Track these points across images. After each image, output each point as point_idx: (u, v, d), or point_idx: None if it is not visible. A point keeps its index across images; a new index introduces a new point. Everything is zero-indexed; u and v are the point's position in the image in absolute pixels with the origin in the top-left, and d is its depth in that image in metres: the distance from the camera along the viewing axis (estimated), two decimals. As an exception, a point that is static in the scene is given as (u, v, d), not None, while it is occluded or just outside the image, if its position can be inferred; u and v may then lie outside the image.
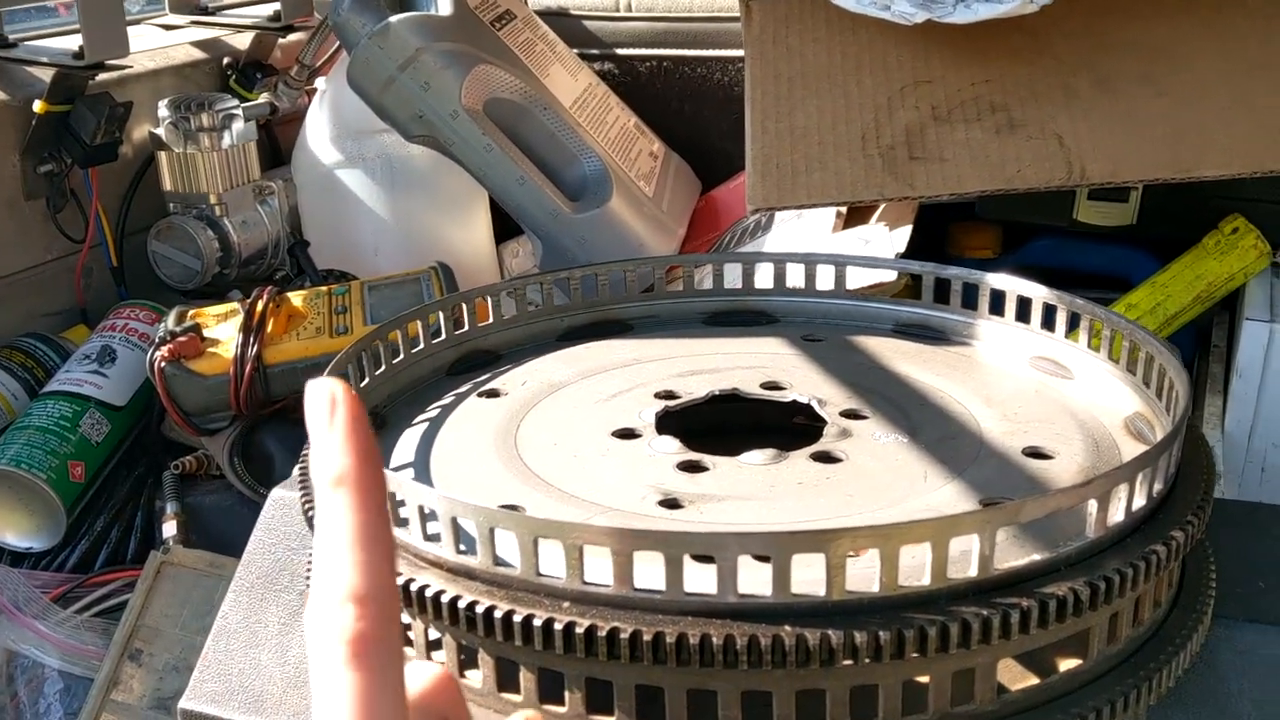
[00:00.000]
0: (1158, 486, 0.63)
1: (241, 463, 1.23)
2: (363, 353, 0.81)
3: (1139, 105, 1.08)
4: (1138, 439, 0.77)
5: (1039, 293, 0.88)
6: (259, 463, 1.23)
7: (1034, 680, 0.60)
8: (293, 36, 1.84)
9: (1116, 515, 0.61)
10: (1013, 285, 0.90)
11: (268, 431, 1.25)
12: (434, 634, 0.63)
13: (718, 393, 0.85)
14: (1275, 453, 1.14)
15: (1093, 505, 0.59)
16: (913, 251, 1.26)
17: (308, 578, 0.74)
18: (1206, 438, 1.18)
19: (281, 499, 0.89)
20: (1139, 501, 0.62)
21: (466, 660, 0.62)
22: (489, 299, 0.92)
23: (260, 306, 1.25)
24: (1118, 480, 0.59)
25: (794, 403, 0.83)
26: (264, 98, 1.68)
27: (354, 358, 0.80)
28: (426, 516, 0.61)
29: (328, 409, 0.36)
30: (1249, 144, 1.05)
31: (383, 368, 0.84)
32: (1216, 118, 1.06)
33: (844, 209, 1.32)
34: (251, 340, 1.22)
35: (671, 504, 0.69)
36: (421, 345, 0.88)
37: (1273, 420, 1.13)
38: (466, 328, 0.91)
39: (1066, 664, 0.61)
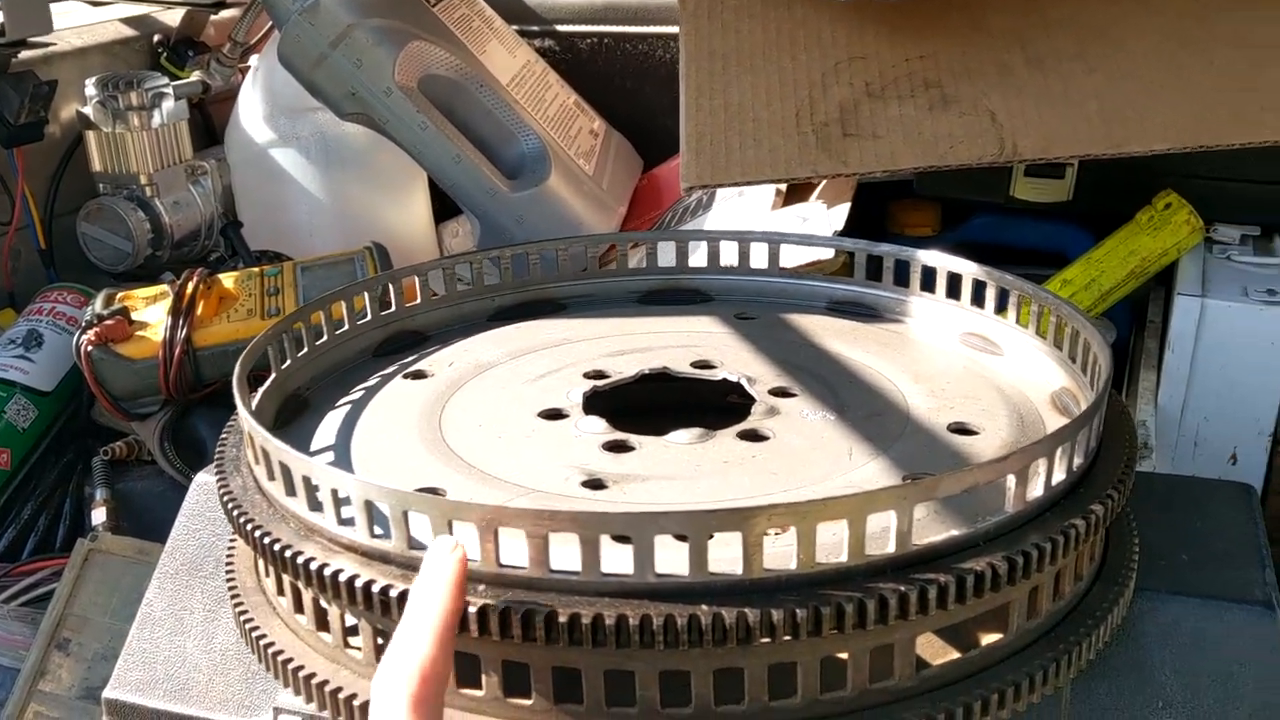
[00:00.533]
0: (1078, 460, 0.63)
1: (172, 448, 1.21)
2: (284, 334, 0.80)
3: (1072, 82, 1.08)
4: (1063, 414, 0.77)
5: (969, 269, 0.88)
6: (190, 448, 1.21)
7: (954, 655, 0.60)
8: (225, 13, 1.80)
9: (1036, 490, 0.61)
10: (943, 262, 0.90)
11: (199, 416, 1.22)
12: (350, 620, 0.62)
13: (647, 372, 0.84)
14: (1207, 426, 1.15)
15: (1011, 480, 0.59)
16: (852, 230, 1.26)
17: (228, 574, 0.73)
18: (1140, 412, 1.19)
19: (206, 484, 0.87)
20: (1058, 476, 0.62)
21: (384, 645, 0.61)
22: (417, 278, 0.91)
23: (190, 288, 1.23)
24: (1036, 455, 0.59)
25: (724, 381, 0.83)
26: (196, 76, 1.65)
27: (274, 338, 0.78)
28: (341, 501, 0.60)
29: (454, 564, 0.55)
30: (1181, 120, 1.05)
31: (305, 349, 0.83)
32: (1148, 94, 1.07)
33: (783, 187, 1.32)
34: (181, 323, 1.19)
35: (595, 485, 0.68)
36: (346, 326, 0.87)
37: (1205, 394, 1.14)
38: (394, 308, 0.90)
39: (987, 638, 0.61)
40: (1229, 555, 0.73)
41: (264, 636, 0.64)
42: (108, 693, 0.84)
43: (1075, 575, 0.65)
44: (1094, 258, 1.22)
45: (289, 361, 0.81)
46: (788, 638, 0.54)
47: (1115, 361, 0.72)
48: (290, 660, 0.62)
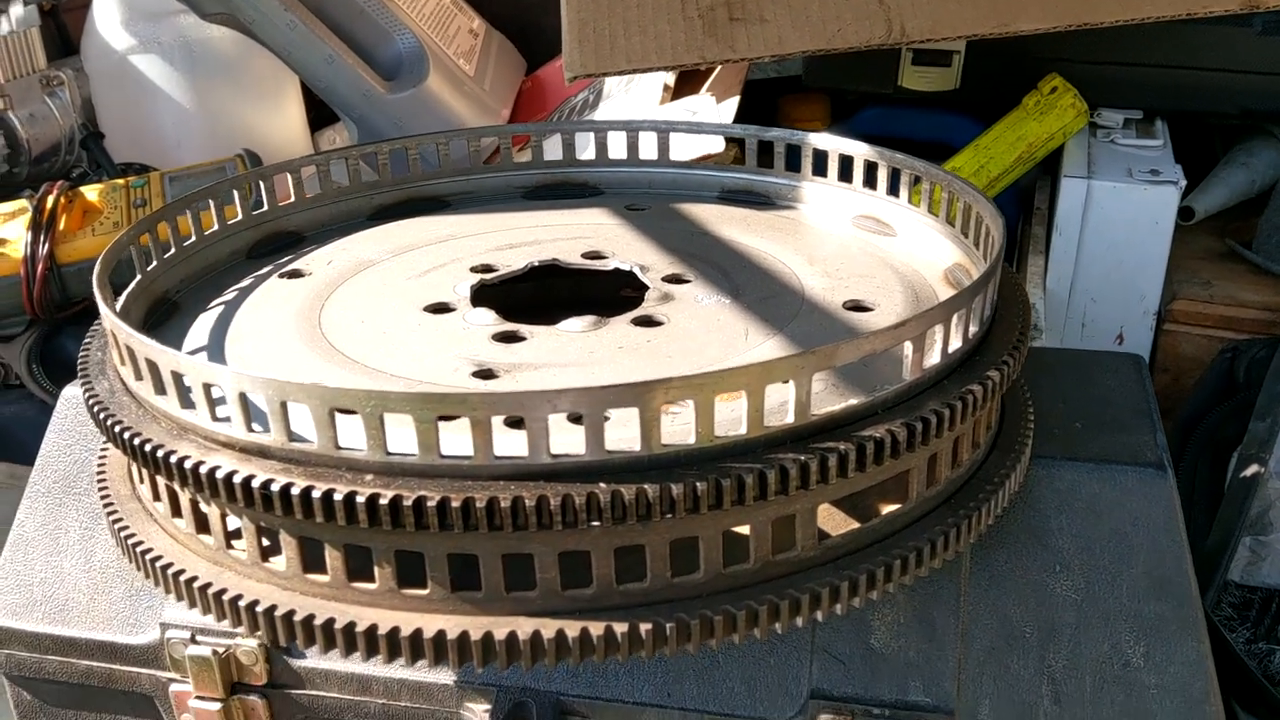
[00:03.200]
0: (973, 328, 0.63)
1: (41, 369, 1.15)
2: (147, 232, 0.75)
3: (957, -37, 1.07)
4: (957, 289, 0.76)
5: (860, 150, 0.87)
6: (60, 369, 1.16)
7: (855, 525, 0.59)
8: (75, -87, 1.69)
9: (933, 358, 0.60)
10: (834, 145, 0.88)
11: (68, 335, 1.17)
12: (234, 523, 0.59)
13: (537, 264, 0.81)
14: (1094, 307, 1.16)
15: (908, 347, 0.58)
16: (741, 122, 1.24)
17: (100, 484, 0.69)
18: (1029, 296, 1.20)
19: (74, 397, 0.83)
20: (954, 343, 0.61)
21: (269, 546, 0.58)
22: (290, 176, 0.87)
23: (50, 202, 1.16)
24: (932, 321, 0.59)
25: (615, 270, 0.81)
26: (46, -20, 1.55)
27: (135, 239, 0.74)
28: (216, 400, 0.56)
29: None
30: None
31: (172, 250, 0.78)
32: (1033, -25, 1.06)
33: (670, 81, 1.29)
34: (42, 238, 1.13)
35: (486, 375, 0.66)
36: (216, 226, 0.82)
37: (1091, 275, 1.16)
38: (265, 207, 0.86)
39: (888, 509, 0.61)
40: (1121, 421, 0.74)
41: (141, 543, 0.61)
42: (-19, 620, 0.80)
43: (973, 443, 0.64)
44: (982, 144, 1.22)
45: (155, 264, 0.76)
46: (688, 512, 0.52)
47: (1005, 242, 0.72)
48: (170, 565, 0.59)
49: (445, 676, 0.72)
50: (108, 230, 1.16)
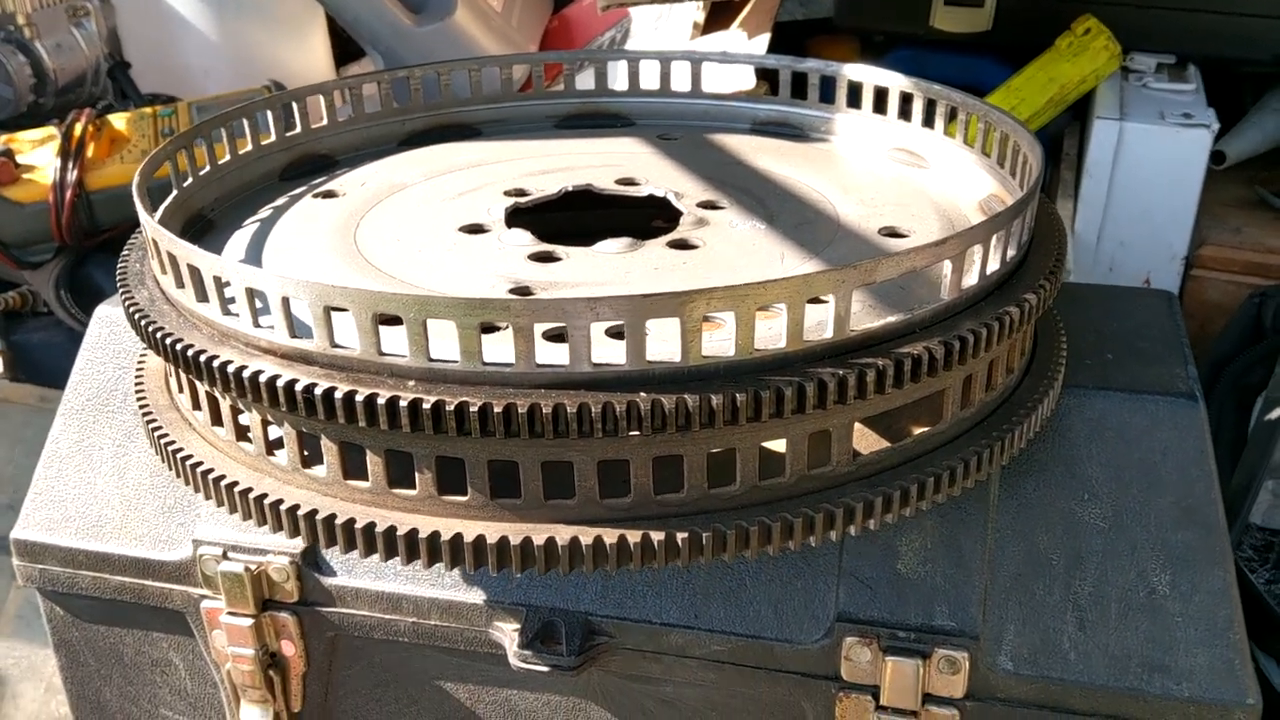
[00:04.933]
0: (1011, 251, 0.63)
1: (70, 296, 1.16)
2: (184, 149, 0.75)
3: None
4: (992, 219, 0.76)
5: (896, 81, 0.86)
6: (88, 296, 1.16)
7: (887, 444, 0.59)
8: None
9: (970, 278, 0.60)
10: (869, 76, 0.88)
11: (96, 264, 1.17)
12: (274, 431, 0.59)
13: (570, 189, 0.81)
14: (1122, 251, 1.16)
15: (947, 266, 0.58)
16: (770, 62, 1.23)
17: (139, 394, 0.69)
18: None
19: (108, 316, 0.84)
20: (993, 265, 0.61)
21: (310, 455, 0.59)
22: (322, 97, 0.86)
23: (79, 130, 1.16)
24: (972, 240, 0.59)
25: (650, 197, 0.81)
26: (71, -91, 1.54)
27: (173, 153, 0.74)
28: (257, 300, 0.57)
29: None
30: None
31: (208, 167, 0.78)
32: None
33: (700, 19, 1.28)
34: (71, 164, 1.13)
35: (523, 292, 0.66)
36: (250, 147, 0.82)
37: (1119, 219, 1.15)
38: (299, 129, 0.85)
39: (920, 430, 0.61)
40: (1152, 353, 0.74)
41: (181, 450, 0.62)
42: (15, 533, 0.81)
43: (1007, 368, 0.65)
44: (1013, 85, 1.21)
45: (190, 180, 0.77)
46: (727, 424, 0.53)
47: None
48: (210, 471, 0.60)
49: (475, 596, 0.73)
50: (136, 158, 1.16)
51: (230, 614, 0.76)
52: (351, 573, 0.74)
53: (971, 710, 0.68)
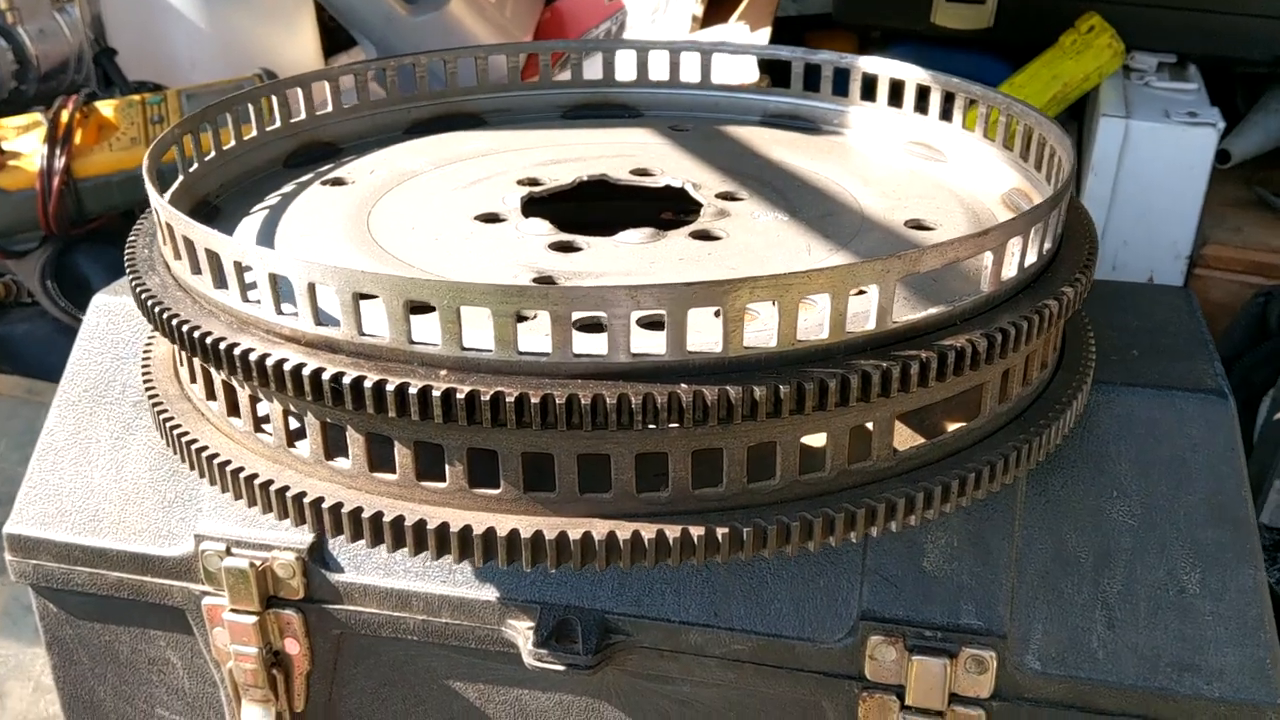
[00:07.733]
0: (1048, 245, 0.62)
1: (55, 286, 1.13)
2: (189, 134, 0.73)
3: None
4: (1015, 213, 0.75)
5: (913, 73, 0.85)
6: (74, 286, 1.13)
7: (924, 440, 0.58)
8: None
9: (1010, 270, 0.59)
10: (885, 68, 0.86)
11: (82, 253, 1.14)
12: (295, 423, 0.57)
13: (586, 178, 0.80)
14: (1126, 250, 1.15)
15: (989, 258, 0.57)
16: (769, 58, 1.22)
17: (147, 384, 0.67)
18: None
19: (106, 305, 0.81)
20: (1031, 257, 0.60)
21: (335, 446, 0.57)
22: (327, 83, 0.84)
23: (66, 116, 1.13)
24: (1013, 232, 0.57)
25: (666, 187, 0.79)
26: (54, -108, 1.50)
27: (179, 136, 0.71)
28: (281, 287, 0.54)
29: None
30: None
31: (213, 153, 0.76)
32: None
33: (699, 11, 1.27)
34: (58, 151, 1.10)
35: (546, 281, 0.64)
36: (255, 133, 0.80)
37: (1123, 217, 1.15)
38: (303, 115, 0.83)
39: (955, 426, 0.60)
40: (1178, 350, 0.73)
41: (196, 441, 0.59)
42: (9, 528, 0.78)
43: (1041, 363, 0.63)
44: (1016, 83, 1.20)
45: (195, 165, 0.74)
46: (769, 416, 0.51)
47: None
48: (228, 463, 0.57)
49: (487, 593, 0.71)
50: (124, 146, 1.13)
51: (233, 611, 0.74)
52: (359, 569, 0.72)
53: (998, 710, 0.67)
